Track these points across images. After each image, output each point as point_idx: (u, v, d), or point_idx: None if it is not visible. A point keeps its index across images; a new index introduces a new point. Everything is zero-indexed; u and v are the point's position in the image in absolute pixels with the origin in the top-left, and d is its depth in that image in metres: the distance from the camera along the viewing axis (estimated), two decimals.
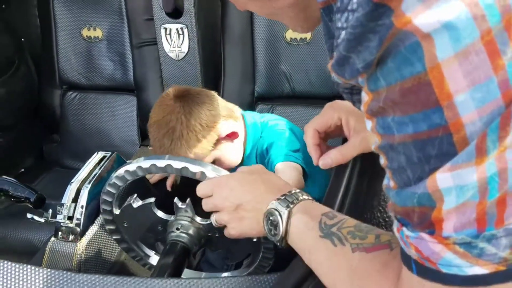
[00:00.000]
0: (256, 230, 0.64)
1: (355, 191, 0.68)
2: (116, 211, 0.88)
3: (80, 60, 1.76)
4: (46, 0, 1.75)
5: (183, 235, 0.79)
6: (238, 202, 0.65)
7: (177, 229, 0.79)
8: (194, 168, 0.74)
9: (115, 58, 1.72)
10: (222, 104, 1.09)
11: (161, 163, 0.75)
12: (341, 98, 1.56)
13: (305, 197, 0.61)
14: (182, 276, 0.80)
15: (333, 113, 0.67)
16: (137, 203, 0.84)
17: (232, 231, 0.67)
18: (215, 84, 1.66)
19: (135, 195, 0.85)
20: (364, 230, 0.52)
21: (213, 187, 0.68)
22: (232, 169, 1.10)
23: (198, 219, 0.80)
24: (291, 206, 0.59)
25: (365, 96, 0.39)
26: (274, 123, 1.14)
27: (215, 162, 1.05)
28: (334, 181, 0.69)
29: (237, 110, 1.15)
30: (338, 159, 0.67)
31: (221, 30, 1.63)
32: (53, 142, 1.88)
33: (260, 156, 1.11)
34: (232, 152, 1.09)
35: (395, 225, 0.42)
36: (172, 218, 0.83)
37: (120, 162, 1.06)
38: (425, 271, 0.39)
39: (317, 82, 1.57)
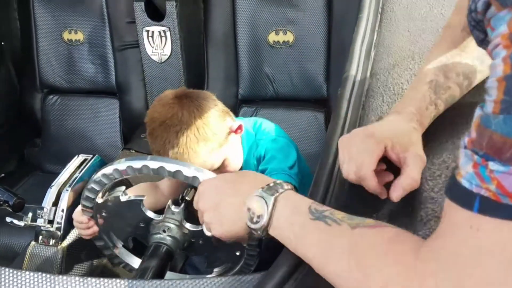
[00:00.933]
0: (238, 226, 0.61)
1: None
2: (99, 200, 0.85)
3: (61, 63, 1.74)
4: (27, 3, 1.73)
5: (169, 238, 0.77)
6: (217, 200, 0.62)
7: (164, 231, 0.78)
8: (170, 167, 0.73)
9: (97, 61, 1.70)
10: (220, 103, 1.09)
11: (137, 164, 0.74)
12: (322, 101, 1.55)
13: (290, 187, 0.59)
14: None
15: (378, 144, 0.62)
16: (125, 197, 0.82)
17: (214, 231, 0.65)
18: (198, 87, 1.65)
19: (124, 187, 0.83)
20: (358, 217, 0.51)
21: (199, 191, 0.66)
22: None
23: (187, 225, 0.79)
24: (277, 194, 0.57)
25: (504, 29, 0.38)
26: (268, 129, 1.13)
27: (223, 163, 1.02)
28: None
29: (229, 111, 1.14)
30: (411, 185, 0.61)
31: (203, 33, 1.63)
32: (34, 146, 1.85)
33: (257, 160, 1.10)
34: (238, 152, 1.08)
35: (469, 163, 0.41)
36: (159, 218, 0.81)
37: (102, 164, 1.05)
38: (495, 207, 0.38)
39: (300, 85, 1.58)
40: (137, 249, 0.91)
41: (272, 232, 0.57)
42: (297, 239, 0.54)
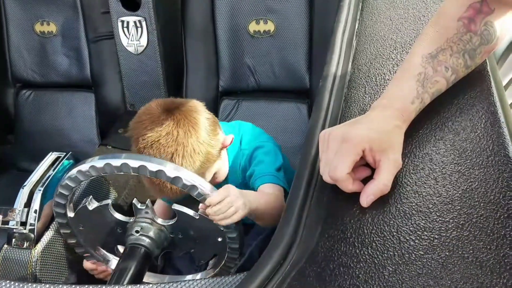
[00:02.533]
0: None
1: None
2: (71, 214, 0.83)
3: (33, 56, 1.68)
4: None
5: (143, 237, 0.75)
6: None
7: (137, 231, 0.75)
8: (152, 167, 0.70)
9: (71, 54, 1.64)
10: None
11: (116, 162, 0.71)
12: (304, 92, 1.53)
13: None
14: (144, 280, 0.76)
15: (354, 148, 0.61)
16: (92, 205, 0.79)
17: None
18: (177, 79, 1.61)
19: (91, 196, 0.81)
20: None
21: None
22: (218, 184, 1.07)
23: (159, 220, 0.76)
24: None
25: None
26: (252, 136, 1.10)
27: (215, 174, 1.00)
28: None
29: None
30: (381, 190, 0.61)
31: (181, 23, 1.58)
32: (7, 144, 1.78)
33: (243, 170, 1.08)
34: (226, 162, 1.05)
35: None
36: (131, 220, 0.78)
37: (75, 162, 1.01)
38: None
39: (281, 75, 1.55)
40: None
41: None
42: None
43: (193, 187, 0.70)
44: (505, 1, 0.68)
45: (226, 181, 1.09)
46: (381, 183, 0.60)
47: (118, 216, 0.79)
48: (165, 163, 0.71)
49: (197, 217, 0.77)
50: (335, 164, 0.61)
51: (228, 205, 0.78)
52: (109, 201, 0.79)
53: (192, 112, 0.94)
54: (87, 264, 0.95)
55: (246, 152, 1.05)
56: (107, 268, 0.90)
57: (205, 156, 0.92)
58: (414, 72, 0.68)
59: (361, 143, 0.61)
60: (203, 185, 0.71)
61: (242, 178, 1.08)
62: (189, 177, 0.70)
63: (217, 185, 1.06)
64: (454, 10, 0.69)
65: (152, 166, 0.70)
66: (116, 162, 0.70)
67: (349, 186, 0.61)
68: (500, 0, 0.68)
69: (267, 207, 0.90)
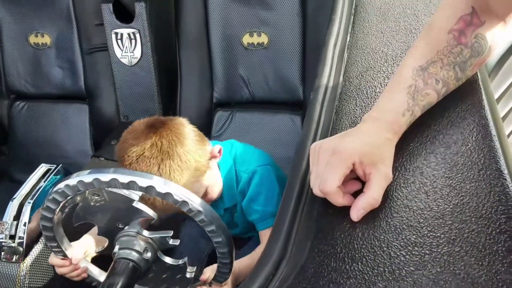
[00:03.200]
0: None
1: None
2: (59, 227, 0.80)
3: (28, 68, 1.68)
4: None
5: (131, 251, 0.73)
6: None
7: (124, 245, 0.73)
8: (142, 182, 0.69)
9: (65, 65, 1.64)
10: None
11: (105, 177, 0.69)
12: (298, 103, 1.53)
13: None
14: None
15: (345, 161, 0.60)
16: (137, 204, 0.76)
17: None
18: (171, 91, 1.61)
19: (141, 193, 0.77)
20: None
21: None
22: (214, 203, 1.07)
23: (145, 232, 0.74)
24: None
25: None
26: (247, 156, 1.10)
27: (207, 190, 0.99)
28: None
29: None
30: (371, 204, 0.60)
31: (175, 35, 1.59)
32: (1, 155, 1.77)
33: (241, 192, 1.08)
34: (218, 178, 1.04)
35: None
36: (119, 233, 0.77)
37: (65, 175, 1.00)
38: None
39: (275, 87, 1.54)
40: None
41: None
42: None
43: (184, 202, 0.69)
44: (496, 13, 0.69)
45: (222, 200, 1.07)
46: (371, 197, 0.60)
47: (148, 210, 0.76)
48: (155, 178, 0.70)
49: (170, 235, 0.76)
50: (325, 177, 0.60)
51: None
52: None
53: (176, 124, 0.93)
54: (54, 260, 0.87)
55: (245, 176, 1.04)
56: (78, 266, 0.86)
57: (194, 166, 0.91)
58: (405, 84, 0.67)
59: (352, 156, 0.61)
60: (194, 200, 0.70)
61: (240, 200, 1.08)
62: (180, 192, 0.69)
63: (213, 203, 1.05)
64: (444, 23, 0.69)
65: (142, 182, 0.69)
66: (104, 178, 0.69)
67: (339, 199, 0.61)
68: (491, 12, 0.69)
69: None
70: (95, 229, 0.85)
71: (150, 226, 0.80)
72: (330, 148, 0.62)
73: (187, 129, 0.94)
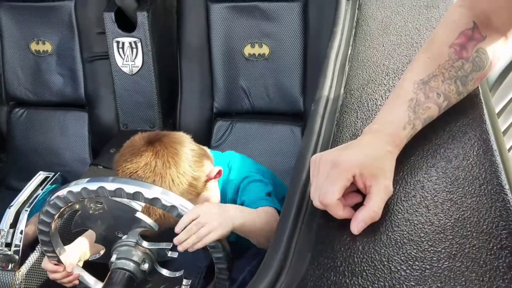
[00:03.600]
0: None
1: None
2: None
3: (28, 75, 1.67)
4: None
5: (127, 262, 0.73)
6: None
7: (121, 255, 0.73)
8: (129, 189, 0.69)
9: (65, 73, 1.64)
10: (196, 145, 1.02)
11: (92, 186, 0.69)
12: (299, 115, 1.53)
13: None
14: None
15: (345, 173, 0.60)
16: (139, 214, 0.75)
17: None
18: (171, 100, 1.61)
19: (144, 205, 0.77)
20: None
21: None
22: None
23: (144, 243, 0.74)
24: None
25: None
26: (242, 167, 1.08)
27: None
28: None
29: (207, 149, 1.07)
30: (371, 217, 0.59)
31: (177, 44, 1.59)
32: None
33: (231, 202, 1.05)
34: (215, 195, 1.02)
35: None
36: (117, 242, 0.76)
37: (63, 183, 0.99)
38: None
39: (276, 98, 1.55)
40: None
41: None
42: None
43: (173, 207, 0.68)
44: (497, 28, 0.69)
45: None
46: (372, 209, 0.59)
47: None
48: (143, 184, 0.69)
49: (169, 247, 0.75)
50: (325, 189, 0.60)
51: (198, 226, 0.75)
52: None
53: (174, 143, 0.93)
54: (48, 265, 0.86)
55: (234, 183, 1.03)
56: (71, 272, 0.85)
57: (187, 188, 0.90)
58: (406, 98, 0.67)
59: (352, 169, 0.60)
60: (184, 205, 0.69)
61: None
62: (168, 197, 0.69)
63: None
64: (445, 37, 0.70)
65: (129, 189, 0.68)
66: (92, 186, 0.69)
67: (339, 212, 0.60)
68: (492, 27, 0.69)
69: (257, 223, 0.87)
70: (90, 232, 0.84)
71: (146, 237, 0.80)
72: (330, 160, 0.62)
73: (185, 149, 0.94)
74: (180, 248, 0.74)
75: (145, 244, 0.74)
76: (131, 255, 0.73)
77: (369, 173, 0.60)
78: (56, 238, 0.80)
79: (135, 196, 0.68)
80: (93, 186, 0.68)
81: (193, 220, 0.75)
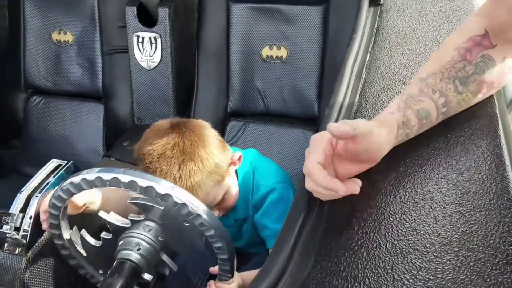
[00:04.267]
0: None
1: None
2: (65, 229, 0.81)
3: (47, 64, 1.69)
4: (17, 1, 1.69)
5: (132, 252, 0.73)
6: None
7: (126, 246, 0.73)
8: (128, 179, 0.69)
9: (84, 64, 1.66)
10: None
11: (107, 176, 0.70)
12: (313, 119, 1.52)
13: None
14: None
15: (325, 137, 0.61)
16: None
17: None
18: (187, 97, 1.62)
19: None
20: None
21: None
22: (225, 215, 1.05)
23: (149, 234, 0.74)
24: None
25: None
26: (266, 170, 1.08)
27: (225, 195, 0.98)
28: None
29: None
30: (346, 130, 0.58)
31: (196, 42, 1.60)
32: (12, 148, 1.79)
33: (254, 206, 1.06)
34: (235, 185, 1.03)
35: None
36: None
37: (76, 172, 1.00)
38: None
39: (291, 101, 1.54)
40: None
41: None
42: None
43: (183, 205, 0.69)
44: (509, 39, 0.68)
45: (234, 211, 1.06)
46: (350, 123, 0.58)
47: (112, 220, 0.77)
48: (157, 179, 0.70)
49: None
50: (307, 157, 0.60)
51: None
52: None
53: (198, 127, 0.94)
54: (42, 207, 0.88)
55: (263, 190, 1.02)
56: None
57: (214, 170, 0.90)
58: (403, 93, 0.69)
59: (328, 134, 0.60)
60: (194, 203, 0.70)
61: (252, 212, 1.07)
62: (180, 194, 0.69)
63: (222, 217, 1.04)
64: (454, 41, 0.71)
65: (143, 182, 0.69)
66: (107, 176, 0.69)
67: (320, 177, 0.58)
68: (505, 39, 0.68)
69: None
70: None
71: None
72: (313, 136, 0.64)
73: (209, 132, 0.95)
74: None
75: (149, 235, 0.75)
76: (135, 245, 0.74)
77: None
78: (65, 223, 0.81)
79: (147, 190, 0.69)
80: (108, 176, 0.69)
81: None
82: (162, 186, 0.69)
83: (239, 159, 0.99)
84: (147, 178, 0.69)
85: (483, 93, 0.72)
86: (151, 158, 0.89)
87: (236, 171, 1.04)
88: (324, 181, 0.59)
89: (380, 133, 0.63)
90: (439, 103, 0.68)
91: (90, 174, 0.70)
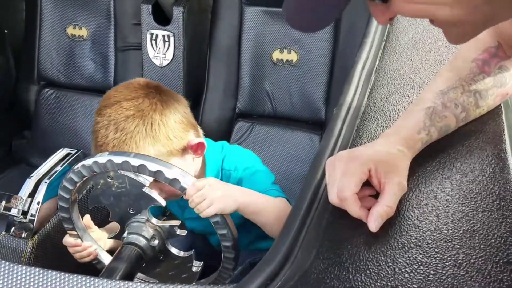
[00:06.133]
0: None
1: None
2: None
3: (61, 57, 1.72)
4: None
5: (138, 237, 0.74)
6: None
7: (132, 230, 0.75)
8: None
9: (98, 59, 1.69)
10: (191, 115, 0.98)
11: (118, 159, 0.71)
12: (319, 123, 1.53)
13: None
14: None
15: (361, 167, 0.61)
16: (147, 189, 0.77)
17: None
18: (196, 96, 1.64)
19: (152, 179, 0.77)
20: None
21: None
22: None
23: (154, 220, 0.76)
24: None
25: None
26: (237, 153, 1.04)
27: None
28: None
29: (200, 130, 1.00)
30: (387, 213, 0.60)
31: (208, 43, 1.62)
32: (23, 138, 1.81)
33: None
34: (195, 171, 0.95)
35: None
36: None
37: None
38: None
39: (298, 105, 1.56)
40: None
41: None
42: None
43: (175, 180, 0.70)
44: None
45: None
46: (386, 205, 0.59)
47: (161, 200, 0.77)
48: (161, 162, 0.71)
49: (178, 224, 0.76)
50: (343, 183, 0.60)
51: (200, 198, 0.74)
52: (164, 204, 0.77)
53: (171, 97, 0.90)
54: (68, 239, 0.87)
55: (233, 175, 0.98)
56: (90, 247, 0.86)
57: (162, 139, 0.85)
58: (424, 106, 0.68)
59: (367, 162, 0.61)
60: (186, 177, 0.70)
61: None
62: (171, 171, 0.70)
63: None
64: (469, 53, 0.71)
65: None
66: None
67: (356, 207, 0.60)
68: None
69: (267, 208, 0.85)
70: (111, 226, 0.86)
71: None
72: (346, 155, 0.63)
73: (178, 107, 0.90)
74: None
75: (154, 221, 0.76)
76: (141, 230, 0.75)
77: (383, 169, 0.61)
78: (75, 214, 0.82)
79: (140, 169, 0.70)
80: (103, 159, 0.71)
81: (197, 192, 0.74)
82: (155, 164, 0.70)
83: (199, 147, 0.91)
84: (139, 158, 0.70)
85: (496, 104, 0.73)
86: (107, 102, 0.86)
87: (206, 163, 0.98)
88: (357, 213, 0.60)
89: (406, 168, 0.64)
90: (460, 118, 0.69)
91: (102, 158, 0.72)
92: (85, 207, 0.90)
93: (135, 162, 0.70)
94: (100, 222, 0.97)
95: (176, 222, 0.76)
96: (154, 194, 0.74)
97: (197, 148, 0.91)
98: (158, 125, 0.84)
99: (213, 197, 0.76)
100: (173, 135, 0.87)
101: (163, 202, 0.75)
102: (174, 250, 0.77)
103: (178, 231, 0.75)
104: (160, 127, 0.84)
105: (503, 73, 0.69)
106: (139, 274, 0.79)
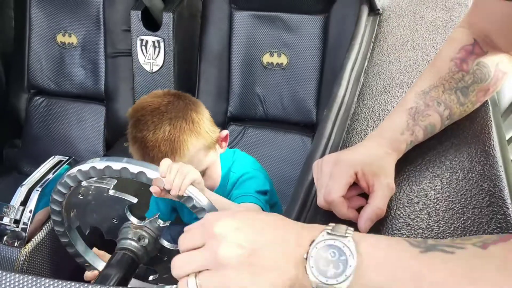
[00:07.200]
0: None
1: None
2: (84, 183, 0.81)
3: (51, 65, 1.72)
4: (23, 2, 1.72)
5: (133, 243, 0.74)
6: (252, 247, 0.43)
7: (127, 236, 0.75)
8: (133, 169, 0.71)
9: (88, 66, 1.68)
10: None
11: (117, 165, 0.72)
12: (310, 125, 1.54)
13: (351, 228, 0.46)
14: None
15: (348, 171, 0.61)
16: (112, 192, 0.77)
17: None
18: None
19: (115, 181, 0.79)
20: (465, 237, 0.46)
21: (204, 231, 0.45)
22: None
23: (135, 220, 0.76)
24: (349, 234, 0.43)
25: None
26: (244, 162, 1.09)
27: (205, 172, 0.97)
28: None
29: None
30: (377, 215, 0.60)
31: (198, 47, 1.63)
32: (14, 147, 1.80)
33: (229, 195, 1.05)
34: (218, 168, 1.04)
35: None
36: (140, 223, 0.78)
37: None
38: None
39: (290, 107, 1.57)
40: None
41: (366, 280, 0.42)
42: (416, 281, 0.41)
43: (141, 173, 0.70)
44: (494, 46, 0.71)
45: None
46: (376, 206, 0.60)
47: (132, 218, 0.78)
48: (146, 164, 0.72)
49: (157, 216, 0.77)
50: (330, 187, 0.61)
51: (174, 172, 0.75)
52: (135, 201, 0.77)
53: (194, 99, 0.99)
54: (88, 274, 0.90)
55: (234, 176, 1.03)
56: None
57: (203, 134, 0.93)
58: (406, 106, 0.70)
59: (354, 166, 0.62)
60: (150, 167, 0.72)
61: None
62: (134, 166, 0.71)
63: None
64: (448, 53, 0.72)
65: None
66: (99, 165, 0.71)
67: (343, 210, 0.61)
68: (493, 45, 0.71)
69: (223, 202, 0.89)
70: None
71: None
72: (332, 159, 0.64)
73: (202, 105, 0.99)
74: (173, 192, 0.74)
75: (135, 221, 0.76)
76: (127, 234, 0.75)
77: (370, 172, 0.62)
78: (69, 220, 0.82)
79: (106, 171, 0.71)
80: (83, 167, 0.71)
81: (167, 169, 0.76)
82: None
83: (225, 138, 1.01)
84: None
85: (480, 101, 0.74)
86: (144, 111, 0.92)
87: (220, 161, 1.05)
88: (344, 215, 0.61)
89: (392, 169, 0.64)
90: (444, 115, 0.70)
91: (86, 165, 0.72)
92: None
93: (100, 165, 0.71)
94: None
95: (155, 216, 0.76)
96: (120, 193, 0.75)
97: (225, 138, 1.01)
98: (197, 122, 0.92)
99: (184, 170, 0.77)
100: (209, 130, 0.95)
101: (133, 200, 0.76)
102: (167, 244, 0.77)
103: (162, 223, 0.76)
104: (200, 123, 0.93)
105: (482, 69, 0.70)
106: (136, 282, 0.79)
